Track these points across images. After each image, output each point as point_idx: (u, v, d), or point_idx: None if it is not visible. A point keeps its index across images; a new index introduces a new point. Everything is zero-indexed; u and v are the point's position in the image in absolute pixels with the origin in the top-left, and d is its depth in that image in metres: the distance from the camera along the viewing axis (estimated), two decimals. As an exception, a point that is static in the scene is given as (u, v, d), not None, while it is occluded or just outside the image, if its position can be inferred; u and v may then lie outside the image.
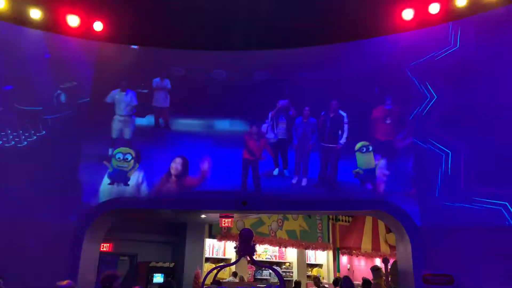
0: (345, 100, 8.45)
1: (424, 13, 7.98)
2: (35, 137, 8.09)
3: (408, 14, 8.10)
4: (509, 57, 7.29)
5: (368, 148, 8.08)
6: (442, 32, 7.96)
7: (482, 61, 7.47)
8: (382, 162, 7.90)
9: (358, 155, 8.12)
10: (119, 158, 8.33)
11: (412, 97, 7.96)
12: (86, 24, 8.56)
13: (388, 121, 8.12)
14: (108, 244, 11.63)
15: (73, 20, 8.48)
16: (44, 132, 8.15)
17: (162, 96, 8.83)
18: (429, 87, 7.84)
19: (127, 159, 8.33)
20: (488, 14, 7.55)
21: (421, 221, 7.35)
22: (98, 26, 8.60)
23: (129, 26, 8.66)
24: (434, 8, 7.89)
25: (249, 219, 13.32)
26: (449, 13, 7.83)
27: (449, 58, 7.80)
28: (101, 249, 9.18)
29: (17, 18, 8.21)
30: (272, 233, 14.19)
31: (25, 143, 8.03)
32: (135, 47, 9.10)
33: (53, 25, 8.44)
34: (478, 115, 7.30)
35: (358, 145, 8.13)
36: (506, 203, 6.82)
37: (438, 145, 7.54)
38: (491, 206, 6.92)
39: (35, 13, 8.24)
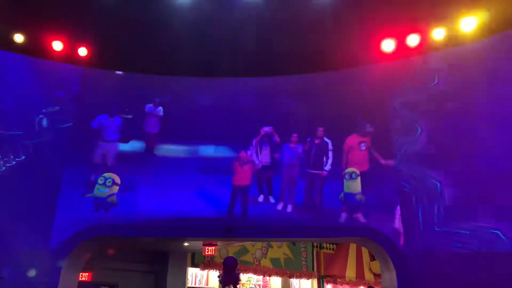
0: (329, 127, 8.53)
1: (403, 45, 8.23)
2: (14, 162, 7.90)
3: (388, 45, 8.32)
4: (484, 88, 7.50)
5: (356, 175, 8.11)
6: (421, 63, 8.18)
7: (460, 93, 7.67)
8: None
9: (346, 182, 8.13)
10: (100, 182, 8.17)
11: (394, 127, 8.12)
12: (70, 49, 8.54)
13: (371, 150, 8.21)
14: (87, 274, 11.24)
15: (57, 45, 8.44)
16: (23, 157, 7.97)
17: (153, 123, 8.80)
18: (412, 118, 7.99)
19: (108, 184, 8.18)
20: (464, 48, 7.79)
21: (406, 248, 7.33)
22: (82, 51, 8.58)
23: (114, 51, 8.68)
24: (412, 40, 8.12)
25: (233, 247, 13.12)
26: (427, 46, 8.08)
27: (427, 90, 7.98)
28: (80, 279, 8.86)
29: (0, 42, 8.13)
30: (256, 261, 13.97)
31: (4, 168, 7.82)
32: (120, 72, 9.09)
33: (37, 49, 8.39)
34: (461, 145, 7.43)
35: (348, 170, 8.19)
36: (494, 230, 6.86)
37: (423, 173, 7.62)
38: (475, 233, 6.95)
39: (19, 38, 8.18)
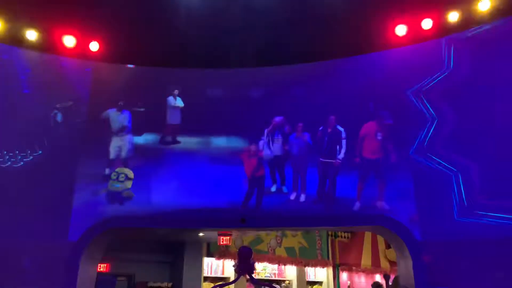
0: (341, 115, 8.47)
1: (417, 29, 8.06)
2: (31, 157, 8.04)
3: (401, 30, 8.18)
4: (501, 71, 7.34)
5: None
6: (436, 48, 8.01)
7: (477, 76, 7.51)
8: None
9: None
10: (113, 178, 8.28)
11: (409, 115, 8.00)
12: (82, 44, 8.61)
13: (387, 138, 8.10)
14: (105, 265, 11.46)
15: (69, 41, 8.52)
16: (40, 152, 8.11)
17: (176, 114, 8.90)
18: (427, 105, 7.87)
19: (121, 179, 8.28)
20: (481, 30, 7.61)
21: (422, 236, 7.29)
22: (94, 46, 8.65)
23: (125, 45, 8.72)
24: (427, 24, 7.96)
25: (248, 237, 13.20)
26: (442, 28, 7.90)
27: (443, 75, 7.84)
28: (98, 270, 9.04)
29: (13, 39, 8.24)
30: (271, 250, 14.04)
31: (22, 163, 7.97)
32: (132, 66, 9.14)
33: (49, 45, 8.47)
34: (478, 132, 7.31)
35: None
36: (507, 216, 6.77)
37: (439, 161, 7.53)
38: (493, 220, 6.87)
39: (31, 34, 8.28)
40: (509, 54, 7.32)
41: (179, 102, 8.94)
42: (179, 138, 8.77)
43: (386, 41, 8.32)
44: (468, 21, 7.65)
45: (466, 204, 7.15)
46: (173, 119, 8.90)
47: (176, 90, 8.97)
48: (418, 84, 8.02)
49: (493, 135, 7.20)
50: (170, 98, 8.96)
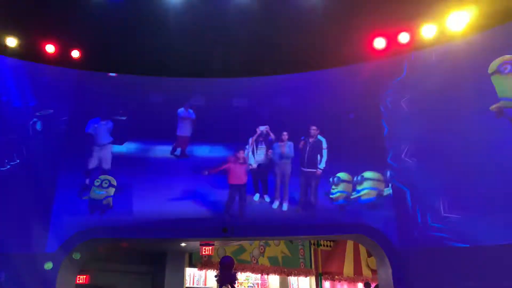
0: (323, 126, 8.56)
1: (394, 42, 8.26)
2: (8, 166, 7.89)
3: (379, 43, 8.35)
4: (475, 85, 7.53)
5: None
6: (410, 61, 8.21)
7: (450, 90, 7.71)
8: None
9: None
10: (97, 184, 8.19)
11: (386, 123, 8.15)
12: (63, 52, 8.54)
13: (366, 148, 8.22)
14: (84, 276, 11.24)
15: (50, 48, 8.44)
16: (18, 161, 7.96)
17: (187, 126, 8.88)
18: (403, 115, 8.05)
19: (105, 186, 8.20)
20: (454, 44, 7.82)
21: (401, 244, 7.38)
22: (75, 54, 8.58)
23: (107, 54, 8.68)
24: (403, 38, 8.17)
25: (231, 247, 13.14)
26: (417, 43, 8.11)
27: (418, 87, 8.01)
28: (77, 282, 8.87)
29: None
30: (254, 260, 14.00)
31: (-1, 173, 7.82)
32: (113, 74, 9.09)
33: (29, 53, 8.38)
34: (453, 140, 7.47)
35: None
36: (488, 224, 6.90)
37: (416, 169, 7.68)
38: (469, 228, 6.99)
39: (11, 42, 8.17)
40: (478, 69, 7.51)
41: (191, 114, 8.93)
42: (159, 147, 8.69)
43: (365, 54, 8.48)
44: (442, 36, 7.87)
45: (441, 212, 7.28)
46: (184, 131, 8.87)
47: (186, 103, 8.96)
48: (394, 94, 8.19)
49: (466, 145, 7.36)
50: (181, 110, 8.94)
